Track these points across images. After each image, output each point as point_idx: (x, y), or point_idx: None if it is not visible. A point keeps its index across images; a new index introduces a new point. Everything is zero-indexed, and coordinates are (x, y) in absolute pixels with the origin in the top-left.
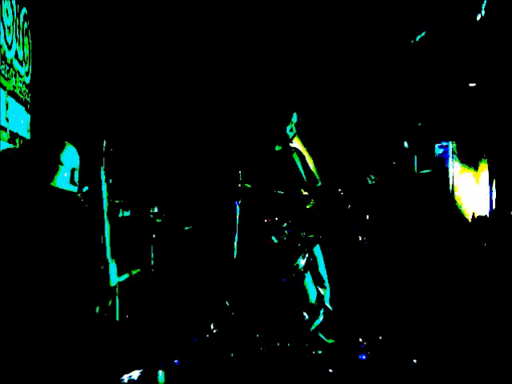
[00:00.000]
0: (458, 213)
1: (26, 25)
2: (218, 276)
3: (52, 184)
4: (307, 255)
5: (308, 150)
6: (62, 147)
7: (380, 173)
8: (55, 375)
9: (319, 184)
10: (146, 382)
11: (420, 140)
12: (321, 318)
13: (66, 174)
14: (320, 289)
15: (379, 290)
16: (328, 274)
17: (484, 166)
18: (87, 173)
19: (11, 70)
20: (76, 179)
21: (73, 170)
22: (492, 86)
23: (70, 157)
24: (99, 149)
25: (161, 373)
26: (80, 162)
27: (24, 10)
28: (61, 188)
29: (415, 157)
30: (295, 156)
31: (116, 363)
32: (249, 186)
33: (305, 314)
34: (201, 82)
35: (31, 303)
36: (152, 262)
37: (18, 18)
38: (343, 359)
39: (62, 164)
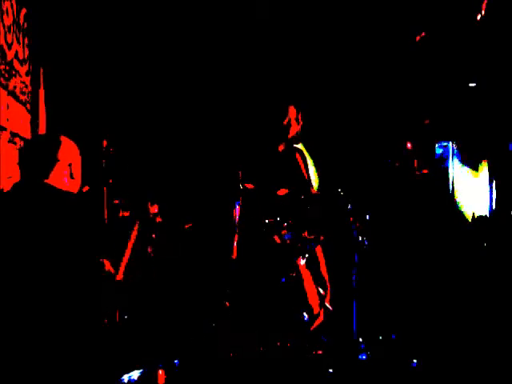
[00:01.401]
0: (458, 213)
1: (26, 25)
2: (218, 276)
3: (48, 182)
4: (307, 255)
5: (308, 150)
6: (59, 143)
7: (380, 173)
8: (55, 375)
9: (319, 184)
10: (146, 382)
11: (420, 140)
12: (321, 318)
13: (63, 170)
14: (320, 289)
15: (379, 290)
16: (328, 273)
17: (484, 166)
18: (87, 173)
19: (11, 69)
20: (75, 173)
21: (70, 165)
22: (492, 85)
23: (68, 152)
24: (99, 149)
25: (161, 373)
26: (80, 156)
27: (24, 10)
28: (58, 187)
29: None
30: (296, 156)
31: (116, 363)
32: (249, 185)
33: (305, 314)
34: (202, 81)
35: (30, 303)
36: (152, 262)
37: (18, 18)
38: (343, 359)
39: (58, 160)
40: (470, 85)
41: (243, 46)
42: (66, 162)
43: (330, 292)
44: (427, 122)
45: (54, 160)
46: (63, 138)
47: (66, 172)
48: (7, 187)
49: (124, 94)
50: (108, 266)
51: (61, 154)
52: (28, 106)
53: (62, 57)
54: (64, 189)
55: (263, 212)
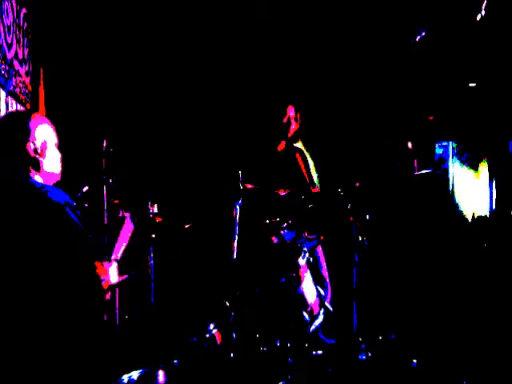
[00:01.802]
0: (458, 213)
1: (26, 25)
2: (218, 276)
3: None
4: (307, 255)
5: (308, 150)
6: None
7: (380, 173)
8: (54, 375)
9: (318, 184)
10: (146, 382)
11: (420, 140)
12: (321, 318)
13: (38, 150)
14: (320, 289)
15: (379, 290)
16: (328, 273)
17: (484, 166)
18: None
19: (11, 69)
20: (52, 151)
21: (44, 143)
22: (492, 85)
23: (40, 130)
24: (99, 148)
25: (161, 373)
26: (54, 132)
27: (24, 10)
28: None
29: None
30: (296, 156)
31: (116, 363)
32: (249, 185)
33: (305, 314)
34: (202, 81)
35: (24, 304)
36: (152, 262)
37: (18, 18)
38: (343, 359)
39: (28, 140)
40: (470, 85)
41: (243, 45)
42: (39, 140)
43: (330, 292)
44: (431, 118)
45: (23, 142)
46: (34, 117)
47: (41, 150)
48: None
49: (124, 94)
50: (99, 268)
51: (32, 135)
52: (28, 105)
53: (61, 57)
54: (41, 170)
55: (263, 212)
